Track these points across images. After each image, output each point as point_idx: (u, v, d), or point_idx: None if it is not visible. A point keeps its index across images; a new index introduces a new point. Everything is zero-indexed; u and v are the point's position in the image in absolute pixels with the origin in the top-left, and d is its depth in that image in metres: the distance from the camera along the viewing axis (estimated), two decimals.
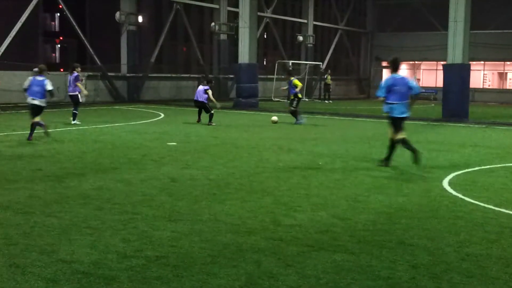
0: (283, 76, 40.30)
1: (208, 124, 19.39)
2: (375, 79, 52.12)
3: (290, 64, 38.66)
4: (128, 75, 33.29)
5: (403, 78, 11.40)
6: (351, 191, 9.06)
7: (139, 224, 6.86)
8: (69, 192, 8.55)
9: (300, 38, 45.15)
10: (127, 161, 11.63)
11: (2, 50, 27.54)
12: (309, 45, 45.81)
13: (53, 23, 47.83)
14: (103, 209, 7.53)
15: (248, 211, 7.62)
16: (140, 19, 33.53)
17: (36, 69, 14.61)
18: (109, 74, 32.28)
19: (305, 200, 8.35)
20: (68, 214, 7.22)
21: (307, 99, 41.05)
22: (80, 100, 18.88)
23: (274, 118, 21.61)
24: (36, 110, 14.27)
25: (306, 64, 44.12)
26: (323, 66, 46.35)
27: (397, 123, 11.31)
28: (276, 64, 39.28)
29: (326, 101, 40.17)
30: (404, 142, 11.33)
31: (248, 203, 8.09)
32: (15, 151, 12.58)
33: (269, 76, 40.21)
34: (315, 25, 46.41)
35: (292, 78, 21.35)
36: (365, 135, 17.99)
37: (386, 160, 11.52)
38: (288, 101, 22.84)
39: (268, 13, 42.64)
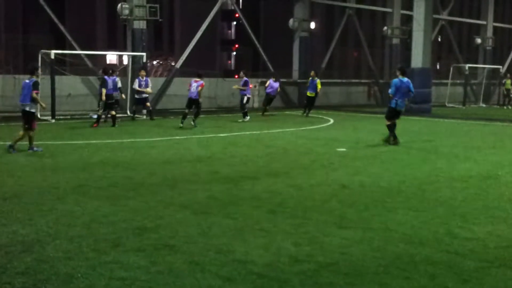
0: (458, 81, 38.63)
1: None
2: None
3: (467, 68, 36.81)
4: (299, 81, 33.83)
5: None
6: None
7: (310, 229, 6.94)
8: (244, 194, 8.90)
9: (478, 40, 42.74)
10: (297, 166, 11.82)
11: (184, 58, 29.42)
12: (487, 47, 43.24)
13: (229, 31, 50.29)
14: (275, 213, 7.72)
15: (420, 221, 7.38)
16: (312, 25, 33.97)
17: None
18: (281, 80, 33.05)
19: (483, 212, 7.89)
20: (243, 216, 7.51)
21: (484, 105, 38.84)
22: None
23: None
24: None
25: (484, 68, 41.72)
26: (503, 69, 43.50)
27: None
28: (451, 68, 37.65)
29: (505, 107, 37.69)
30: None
31: (421, 213, 7.84)
32: (194, 154, 13.35)
33: (443, 81, 38.65)
34: (494, 27, 43.72)
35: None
36: None
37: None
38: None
39: (444, 15, 40.99)
